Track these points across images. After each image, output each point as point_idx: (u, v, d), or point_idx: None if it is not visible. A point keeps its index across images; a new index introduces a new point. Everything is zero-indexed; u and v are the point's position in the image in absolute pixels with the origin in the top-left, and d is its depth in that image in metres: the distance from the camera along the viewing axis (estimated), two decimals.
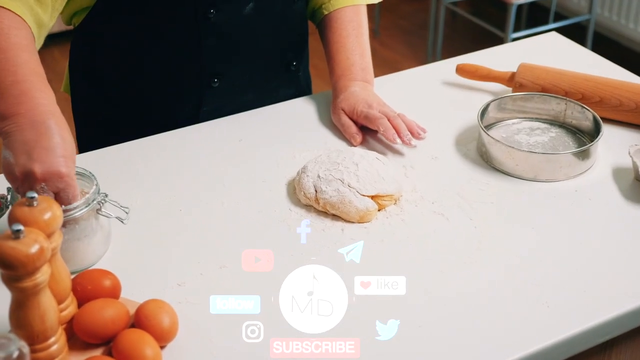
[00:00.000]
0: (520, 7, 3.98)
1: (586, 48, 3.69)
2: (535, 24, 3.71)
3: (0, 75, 1.08)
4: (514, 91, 1.48)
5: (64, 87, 1.57)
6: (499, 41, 4.03)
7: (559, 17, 3.89)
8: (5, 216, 1.06)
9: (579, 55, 1.71)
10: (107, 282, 1.02)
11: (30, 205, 0.91)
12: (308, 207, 1.24)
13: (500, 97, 1.41)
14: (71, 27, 1.43)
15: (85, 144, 1.50)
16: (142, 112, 1.44)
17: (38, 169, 1.02)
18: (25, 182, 1.03)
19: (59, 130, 1.05)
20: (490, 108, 1.39)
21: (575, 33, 3.83)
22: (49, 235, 0.91)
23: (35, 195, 0.91)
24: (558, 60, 1.60)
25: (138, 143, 1.39)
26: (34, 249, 0.86)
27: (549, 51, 1.71)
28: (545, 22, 3.64)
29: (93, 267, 1.10)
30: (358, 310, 1.04)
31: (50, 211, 0.92)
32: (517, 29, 3.77)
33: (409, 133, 1.35)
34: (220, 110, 1.45)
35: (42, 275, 0.88)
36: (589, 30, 3.65)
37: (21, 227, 0.86)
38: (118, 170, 1.31)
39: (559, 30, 3.67)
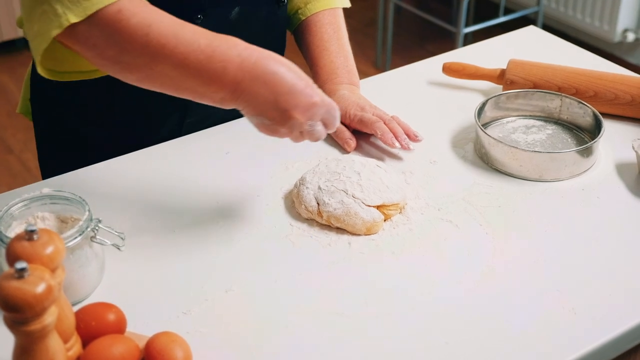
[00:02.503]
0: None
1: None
2: (483, 18, 3.69)
3: (190, 57, 1.01)
4: (504, 88, 1.43)
5: (20, 109, 1.46)
6: (448, 36, 4.03)
7: (506, 10, 3.89)
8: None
9: (560, 48, 1.68)
10: (111, 317, 0.94)
11: (30, 239, 0.83)
12: (310, 221, 1.17)
13: (495, 95, 1.37)
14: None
15: (54, 167, 1.39)
16: (122, 127, 1.35)
17: (297, 114, 1.02)
18: (293, 132, 1.05)
19: (281, 66, 1.02)
20: (487, 107, 1.35)
21: (524, 26, 3.84)
22: (52, 271, 0.83)
23: (35, 228, 0.83)
24: (541, 54, 1.57)
25: (118, 161, 1.30)
26: (41, 288, 0.78)
27: (530, 46, 1.68)
28: (494, 16, 3.63)
29: (93, 300, 1.02)
30: (378, 328, 0.98)
31: (52, 244, 0.84)
32: (465, 23, 3.75)
33: (406, 137, 1.30)
34: (203, 121, 1.38)
35: (50, 316, 0.80)
36: (537, 22, 3.65)
37: (25, 265, 0.78)
38: (100, 191, 1.23)
39: (509, 23, 3.69)
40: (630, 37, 3.56)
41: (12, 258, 0.82)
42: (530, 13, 3.70)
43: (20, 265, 0.78)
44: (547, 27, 3.84)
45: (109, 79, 1.29)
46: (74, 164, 1.30)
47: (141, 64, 1.03)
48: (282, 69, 1.02)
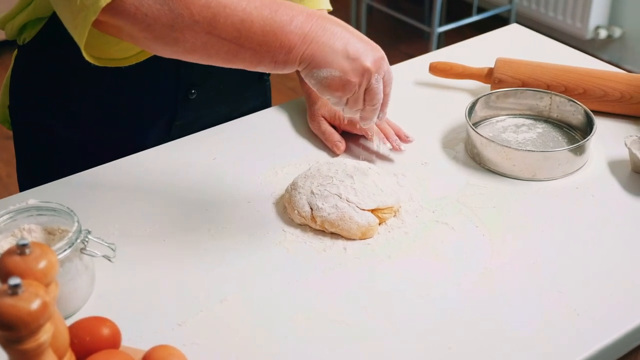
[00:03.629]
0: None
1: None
2: (455, 17, 3.69)
3: (254, 13, 0.99)
4: (492, 87, 1.42)
5: None
6: (420, 35, 4.02)
7: (479, 9, 3.89)
8: None
9: (544, 46, 1.67)
10: (105, 331, 0.91)
11: (22, 253, 0.80)
12: (303, 226, 1.15)
13: (485, 94, 1.35)
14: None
15: (34, 177, 1.34)
16: (109, 129, 1.32)
17: (369, 63, 1.01)
18: (363, 82, 1.03)
19: (337, 25, 1.02)
20: (477, 107, 1.33)
21: (497, 24, 3.85)
22: (46, 286, 0.80)
23: (27, 242, 0.80)
24: (525, 52, 1.56)
25: (103, 169, 1.27)
26: (36, 304, 0.75)
27: (513, 44, 1.67)
28: (466, 15, 3.63)
29: (84, 314, 0.98)
30: (378, 334, 0.96)
31: (45, 258, 0.80)
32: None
33: (397, 138, 1.28)
34: (192, 124, 1.35)
35: (46, 333, 0.77)
36: (510, 20, 3.66)
37: (19, 281, 0.75)
38: (85, 200, 1.19)
39: (482, 22, 3.69)
40: (603, 34, 3.57)
41: (3, 274, 0.79)
42: (503, 11, 3.71)
43: (13, 281, 0.74)
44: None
45: (98, 80, 1.26)
46: (56, 172, 1.27)
47: (199, 29, 0.97)
48: (335, 25, 1.02)
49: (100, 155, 1.29)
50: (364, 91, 1.05)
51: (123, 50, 1.19)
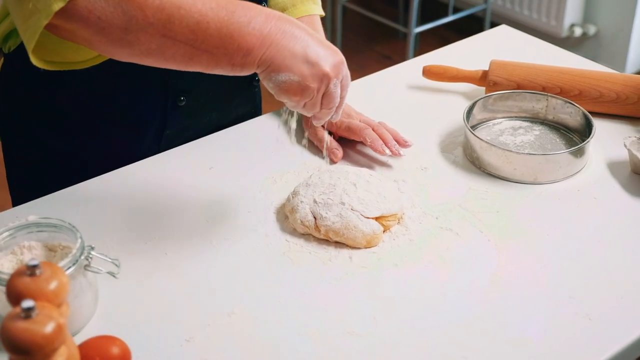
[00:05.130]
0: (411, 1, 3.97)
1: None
2: (430, 17, 3.69)
3: (209, 15, 0.96)
4: (487, 90, 1.41)
5: None
6: (396, 36, 4.02)
7: (454, 9, 3.89)
8: None
9: (534, 47, 1.66)
10: (115, 350, 0.89)
11: (32, 274, 0.77)
12: (306, 235, 1.13)
13: (483, 97, 1.34)
14: None
15: (26, 191, 1.31)
16: (99, 142, 1.29)
17: (328, 67, 1.00)
18: (321, 88, 1.01)
19: (296, 27, 1.00)
20: (475, 110, 1.32)
21: (473, 24, 3.86)
22: (58, 307, 0.77)
23: (37, 262, 0.77)
24: (516, 53, 1.55)
25: (96, 182, 1.24)
26: (50, 327, 0.73)
27: (503, 45, 1.66)
28: (441, 15, 3.63)
29: (89, 332, 0.96)
30: (392, 345, 0.95)
31: (56, 279, 0.78)
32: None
33: (396, 143, 1.26)
34: (183, 132, 1.33)
35: (60, 356, 0.75)
36: (485, 19, 3.66)
37: (33, 304, 0.72)
38: (81, 213, 1.16)
39: (458, 22, 3.69)
40: (578, 31, 3.59)
41: (14, 296, 0.77)
42: (479, 11, 3.71)
43: (26, 304, 0.72)
44: (495, 24, 3.85)
45: (86, 89, 1.23)
46: (47, 184, 1.24)
47: (153, 31, 0.95)
48: (294, 27, 1.00)
49: (92, 167, 1.26)
50: (322, 96, 1.03)
51: (79, 53, 1.16)
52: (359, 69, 3.47)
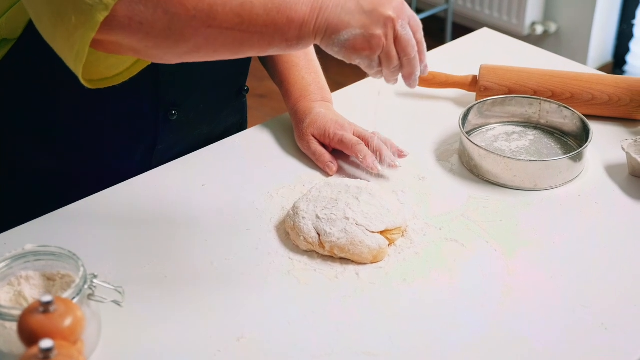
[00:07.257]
0: None
1: (446, 39, 3.70)
2: None
3: (255, 7, 0.92)
4: (478, 95, 1.39)
5: None
6: None
7: (416, 10, 3.89)
8: None
9: (518, 49, 1.65)
10: None
11: (46, 311, 0.73)
12: (310, 252, 1.10)
13: (477, 102, 1.32)
14: None
15: (12, 217, 1.25)
16: (89, 159, 1.24)
17: (386, 10, 0.94)
18: (388, 32, 0.95)
19: None
20: (470, 116, 1.30)
21: (435, 25, 3.85)
22: (74, 345, 0.73)
23: (51, 299, 0.73)
24: (499, 56, 1.54)
25: (91, 200, 1.19)
26: None
27: (486, 48, 1.65)
28: None
29: None
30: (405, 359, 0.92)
31: (71, 315, 0.75)
32: None
33: (391, 154, 1.24)
34: (174, 147, 1.29)
35: None
36: (447, 20, 3.66)
37: (51, 344, 0.68)
38: (74, 236, 1.12)
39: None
40: (539, 29, 3.61)
41: (27, 334, 0.73)
42: (440, 11, 3.71)
43: (46, 344, 0.68)
44: (456, 25, 3.86)
45: (74, 104, 1.19)
46: (37, 205, 1.19)
47: (197, 24, 0.91)
48: None
49: (83, 185, 1.22)
50: (394, 42, 0.98)
51: (113, 67, 1.12)
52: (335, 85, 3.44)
